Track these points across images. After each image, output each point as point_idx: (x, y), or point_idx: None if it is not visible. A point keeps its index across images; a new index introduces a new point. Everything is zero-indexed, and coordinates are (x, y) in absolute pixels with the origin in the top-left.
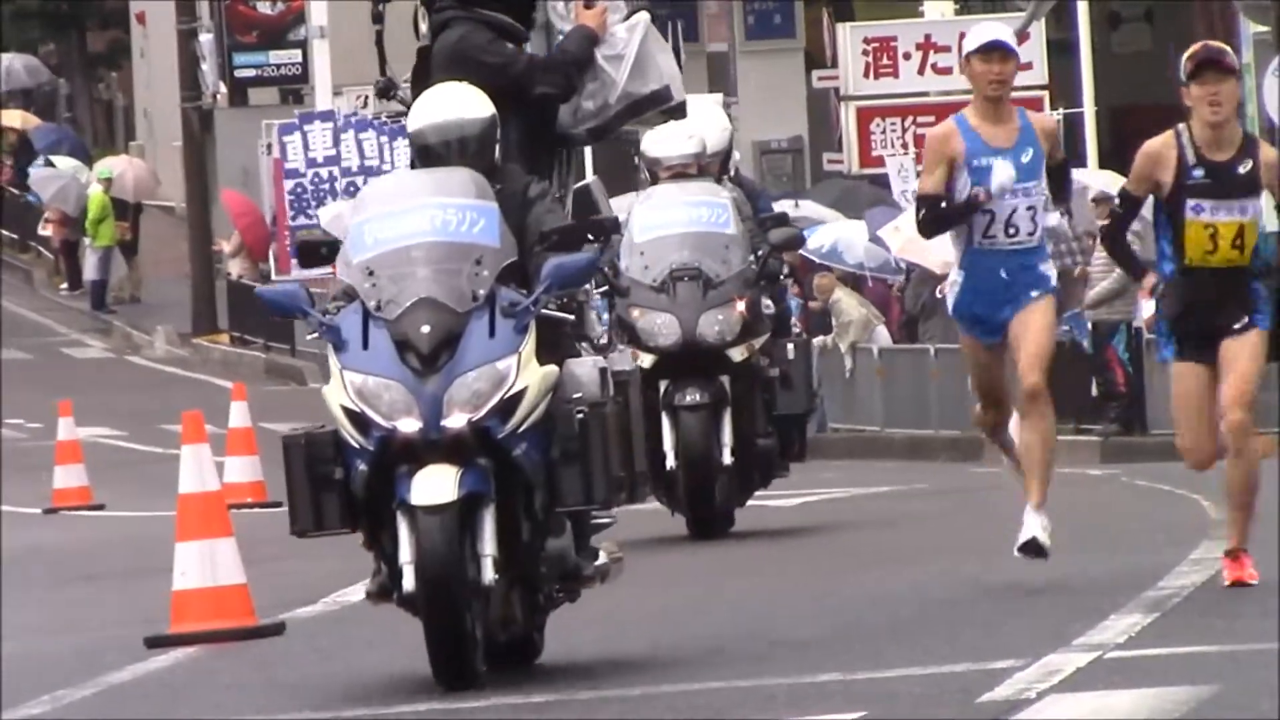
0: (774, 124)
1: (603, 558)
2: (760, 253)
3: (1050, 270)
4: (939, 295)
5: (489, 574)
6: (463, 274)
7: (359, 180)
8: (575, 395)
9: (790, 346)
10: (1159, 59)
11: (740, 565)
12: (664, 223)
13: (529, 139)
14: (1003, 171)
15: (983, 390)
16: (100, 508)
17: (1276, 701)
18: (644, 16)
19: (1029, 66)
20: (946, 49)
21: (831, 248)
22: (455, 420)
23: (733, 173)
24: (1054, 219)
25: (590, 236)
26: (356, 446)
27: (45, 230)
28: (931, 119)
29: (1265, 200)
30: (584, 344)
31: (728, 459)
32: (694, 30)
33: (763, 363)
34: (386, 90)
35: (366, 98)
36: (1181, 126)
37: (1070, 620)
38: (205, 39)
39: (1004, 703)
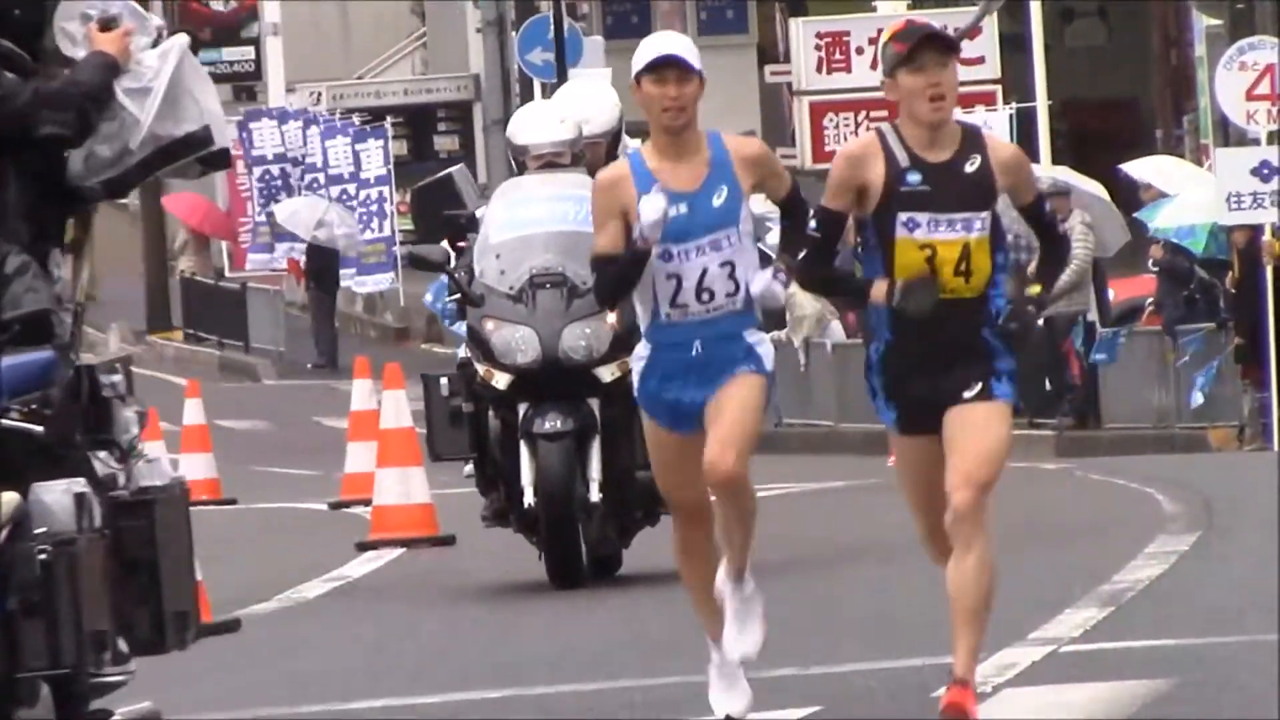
0: (727, 119)
1: None
2: None
3: (764, 346)
4: None
5: (595, 494)
6: None
7: (320, 176)
8: (40, 530)
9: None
10: (1112, 54)
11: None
12: (524, 221)
13: (35, 193)
14: (651, 206)
15: (673, 495)
16: None
17: (1242, 696)
18: (181, 40)
19: (980, 60)
20: None
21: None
22: None
23: (620, 158)
24: (765, 279)
25: None
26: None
27: None
28: (884, 114)
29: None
30: (104, 453)
31: (595, 495)
32: (647, 25)
33: None
34: None
35: (320, 94)
36: (887, 126)
37: (1026, 615)
38: None
39: None
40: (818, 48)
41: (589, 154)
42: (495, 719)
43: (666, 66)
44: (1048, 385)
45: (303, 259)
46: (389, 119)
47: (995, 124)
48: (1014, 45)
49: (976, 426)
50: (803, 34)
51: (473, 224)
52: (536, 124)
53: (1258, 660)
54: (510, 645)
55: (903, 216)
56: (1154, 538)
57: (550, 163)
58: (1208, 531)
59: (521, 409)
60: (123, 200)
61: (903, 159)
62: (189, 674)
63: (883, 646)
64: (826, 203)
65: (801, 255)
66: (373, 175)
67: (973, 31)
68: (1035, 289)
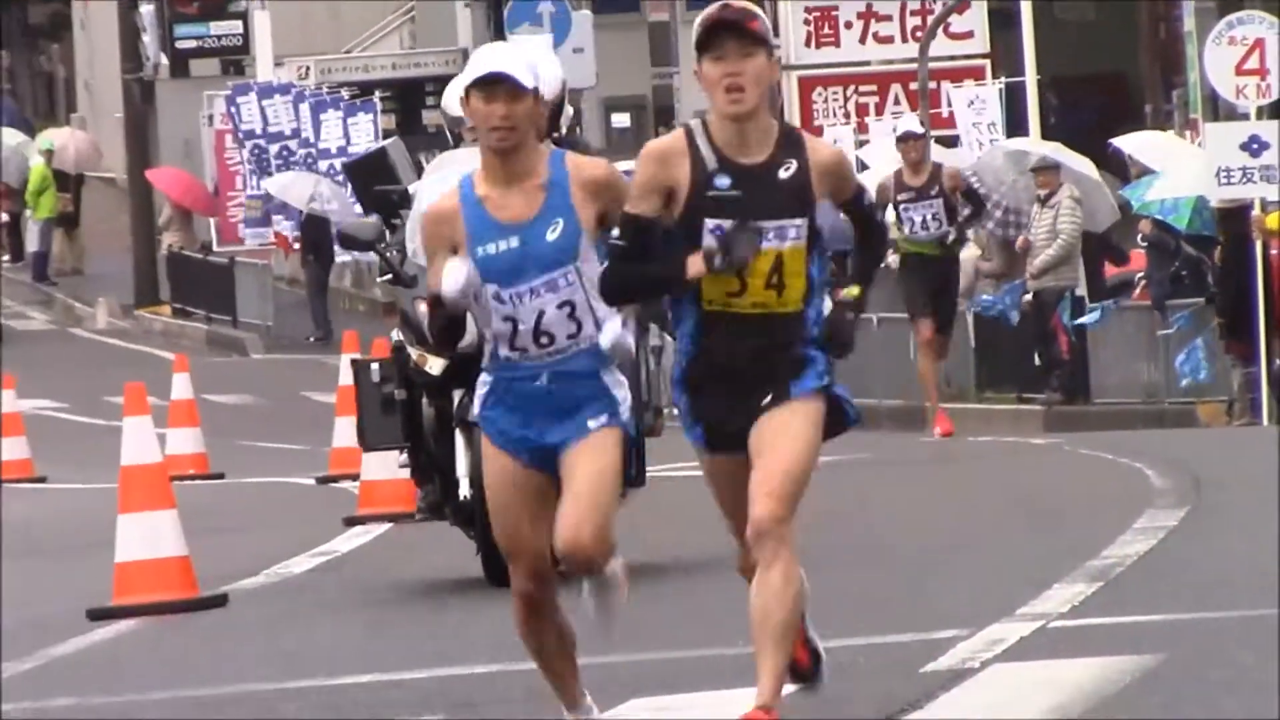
0: None
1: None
2: None
3: (622, 389)
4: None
5: None
6: None
7: (311, 151)
8: None
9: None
10: (1101, 28)
11: (681, 536)
12: None
13: None
14: (451, 279)
15: (508, 545)
16: (42, 480)
17: (1227, 671)
18: None
19: (969, 35)
20: (888, 18)
21: None
22: None
23: (563, 131)
24: (614, 331)
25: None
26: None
27: None
28: (873, 88)
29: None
30: None
31: None
32: (635, 0)
33: None
34: None
35: (308, 69)
36: (696, 123)
37: (1014, 590)
38: (146, 10)
39: (947, 673)
40: (806, 22)
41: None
42: (483, 694)
43: (495, 83)
44: (1037, 360)
45: (293, 233)
46: (377, 93)
47: (985, 99)
48: (1003, 20)
49: (777, 433)
50: (791, 9)
51: (406, 200)
52: None
53: (1247, 635)
54: (498, 621)
55: (710, 224)
56: (1143, 513)
57: None
58: (1197, 506)
59: (456, 396)
60: (110, 175)
61: (711, 161)
62: (176, 649)
63: (870, 621)
64: (630, 207)
65: (603, 267)
66: (363, 149)
67: (960, 6)
68: (853, 291)
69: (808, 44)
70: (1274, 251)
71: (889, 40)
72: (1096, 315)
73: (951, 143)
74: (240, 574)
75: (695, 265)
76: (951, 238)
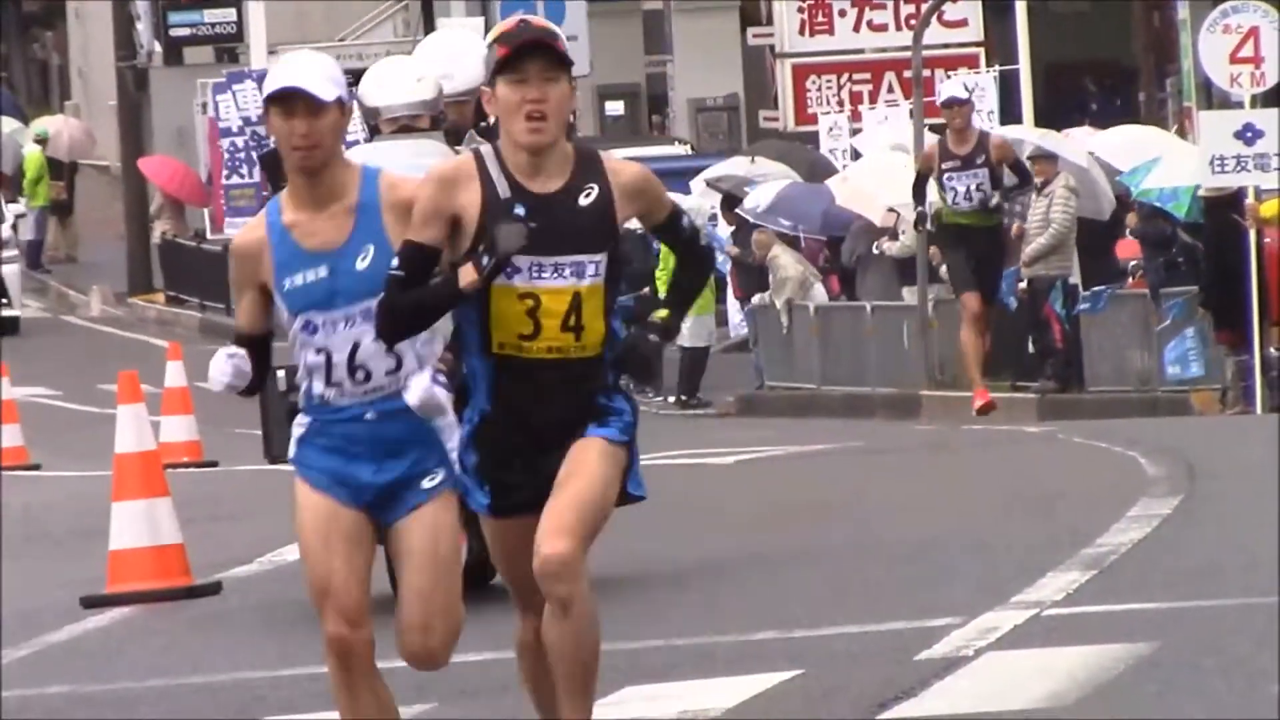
0: (709, 82)
1: None
2: None
3: (453, 430)
4: (876, 251)
5: None
6: None
7: None
8: None
9: None
10: (1095, 16)
11: (677, 524)
12: None
13: None
14: (217, 370)
15: (318, 580)
16: (36, 468)
17: (1220, 659)
18: None
19: (963, 23)
20: (882, 6)
21: (769, 206)
22: None
23: (491, 122)
24: (422, 386)
25: None
26: None
27: None
28: (867, 76)
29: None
30: None
31: None
32: None
33: None
34: None
35: None
36: (488, 147)
37: (1008, 578)
38: None
39: (942, 660)
40: (800, 10)
41: (453, 115)
42: (478, 682)
43: (292, 98)
44: (1030, 348)
45: None
46: None
47: (984, 87)
48: (997, 8)
49: (570, 471)
50: None
51: None
52: (390, 83)
53: (1240, 623)
54: (492, 608)
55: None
56: (1136, 501)
57: (406, 126)
58: (1190, 495)
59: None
60: (104, 162)
61: (503, 188)
62: (170, 637)
63: (864, 610)
64: (412, 234)
65: (379, 300)
66: (357, 137)
67: None
68: (662, 314)
69: (801, 32)
70: (1267, 240)
71: (883, 28)
72: (1087, 306)
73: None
74: (234, 562)
75: (466, 274)
76: (994, 201)
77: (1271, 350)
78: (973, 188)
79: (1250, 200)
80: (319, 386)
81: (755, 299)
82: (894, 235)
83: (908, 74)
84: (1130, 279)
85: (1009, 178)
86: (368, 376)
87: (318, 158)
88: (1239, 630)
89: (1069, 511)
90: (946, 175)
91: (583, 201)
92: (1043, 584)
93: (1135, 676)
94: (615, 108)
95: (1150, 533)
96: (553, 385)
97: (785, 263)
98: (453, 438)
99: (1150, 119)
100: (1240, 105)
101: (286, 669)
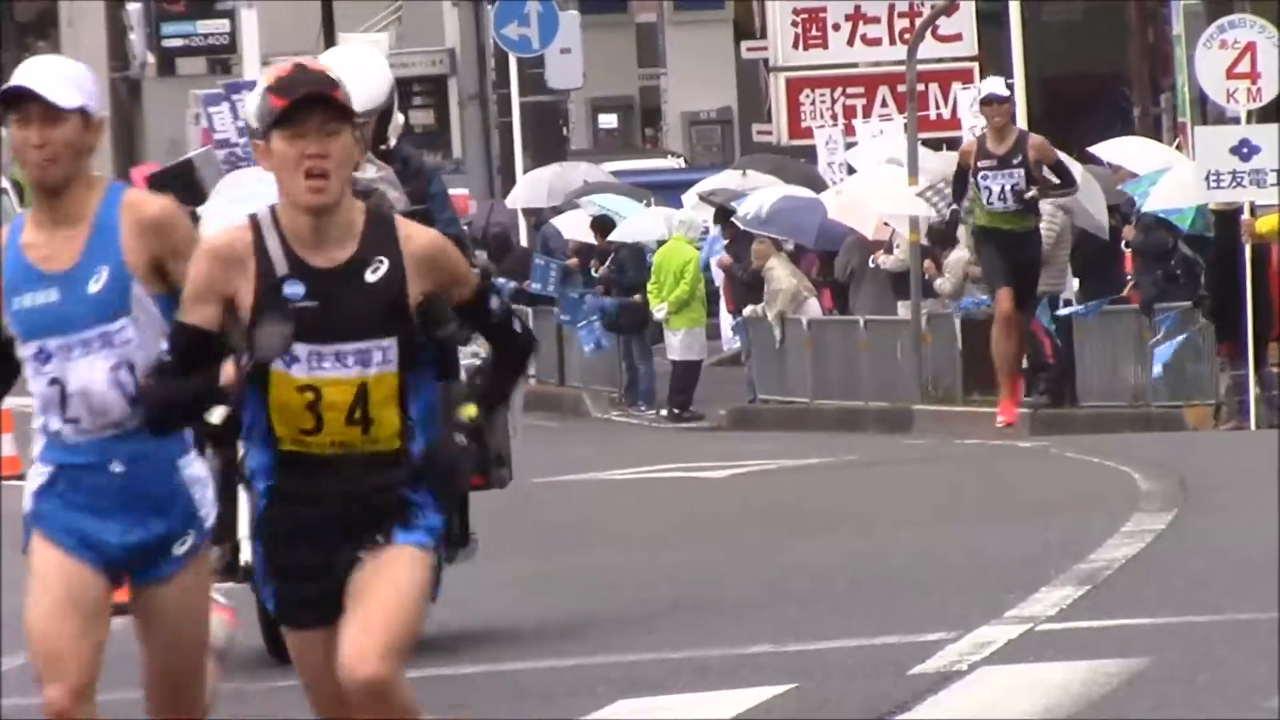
0: (703, 95)
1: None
2: None
3: (204, 488)
4: (871, 264)
5: None
6: None
7: None
8: None
9: None
10: (1089, 30)
11: (670, 537)
12: None
13: None
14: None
15: (45, 643)
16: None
17: (1214, 675)
18: None
19: (957, 37)
20: (876, 20)
21: (765, 219)
22: None
23: (392, 143)
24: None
25: None
26: None
27: None
28: (861, 90)
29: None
30: None
31: None
32: (623, 1)
33: None
34: None
35: None
36: (265, 211)
37: (1002, 592)
38: (133, 8)
39: (935, 674)
40: (794, 24)
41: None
42: (471, 695)
43: (26, 102)
44: (1024, 363)
45: None
46: None
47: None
48: (991, 21)
49: (375, 580)
50: (779, 10)
51: (197, 223)
52: None
53: (1234, 638)
54: (485, 620)
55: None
56: (1130, 516)
57: None
58: (1184, 510)
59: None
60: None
61: (280, 264)
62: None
63: (858, 624)
64: (184, 314)
65: (138, 386)
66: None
67: (949, 8)
68: (469, 411)
69: (795, 45)
70: (1276, 257)
71: (877, 42)
72: (1080, 310)
73: (938, 146)
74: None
75: (227, 370)
76: (1029, 194)
77: (1272, 369)
78: (1008, 188)
79: (1246, 216)
80: (55, 423)
81: (746, 310)
82: (888, 249)
83: (902, 88)
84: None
85: (1050, 179)
86: (105, 411)
87: (53, 172)
88: (1233, 645)
89: (1062, 526)
90: (982, 174)
91: (369, 278)
92: (1036, 599)
93: (1129, 691)
94: (608, 120)
95: (1144, 548)
96: (340, 483)
97: (780, 275)
98: (206, 495)
99: (1145, 134)
100: (1235, 120)
101: (280, 680)
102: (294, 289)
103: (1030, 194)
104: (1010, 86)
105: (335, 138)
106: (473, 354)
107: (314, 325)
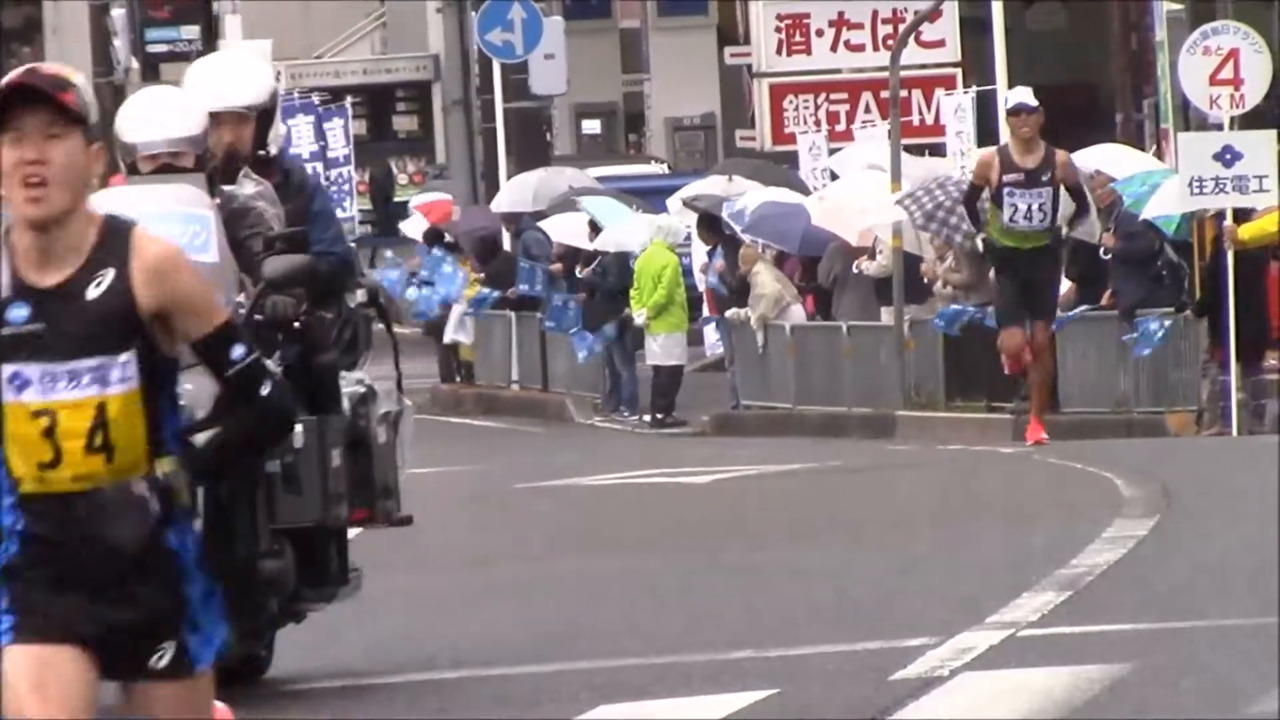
0: (686, 101)
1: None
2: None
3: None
4: (855, 270)
5: None
6: None
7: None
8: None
9: (298, 429)
10: (1072, 37)
11: (653, 542)
12: None
13: None
14: None
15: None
16: None
17: (1196, 680)
18: None
19: (940, 44)
20: (860, 26)
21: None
22: None
23: (272, 152)
24: None
25: None
26: None
27: None
28: (844, 96)
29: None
30: None
31: None
32: (606, 6)
33: None
34: None
35: (278, 73)
36: (2, 228)
37: (984, 598)
38: (117, 14)
39: (917, 680)
40: (778, 30)
41: (231, 134)
42: (451, 699)
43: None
44: (1006, 369)
45: None
46: (348, 99)
47: (965, 107)
48: (974, 28)
49: None
50: (763, 16)
51: None
52: (149, 116)
53: (1216, 644)
54: (468, 627)
55: (8, 370)
56: (1112, 522)
57: (167, 165)
58: (1166, 516)
59: None
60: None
61: (5, 286)
62: None
63: (840, 629)
64: None
65: None
66: (339, 155)
67: (932, 14)
68: (165, 465)
69: (779, 51)
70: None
71: (860, 48)
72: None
73: (920, 152)
74: None
75: None
76: (1065, 233)
77: (1269, 377)
78: (1034, 207)
79: (1228, 222)
80: None
81: (729, 313)
82: (872, 255)
83: (885, 94)
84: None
85: (1065, 202)
86: None
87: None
88: (1215, 650)
89: (1044, 532)
90: (1007, 190)
91: (92, 293)
92: (1018, 604)
93: (1111, 697)
94: (592, 126)
95: (1126, 554)
96: (88, 524)
97: (764, 280)
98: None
99: (1127, 140)
100: (1218, 127)
101: (261, 686)
102: (16, 313)
103: (1065, 232)
104: (1034, 99)
105: (57, 143)
106: (357, 381)
107: (42, 347)
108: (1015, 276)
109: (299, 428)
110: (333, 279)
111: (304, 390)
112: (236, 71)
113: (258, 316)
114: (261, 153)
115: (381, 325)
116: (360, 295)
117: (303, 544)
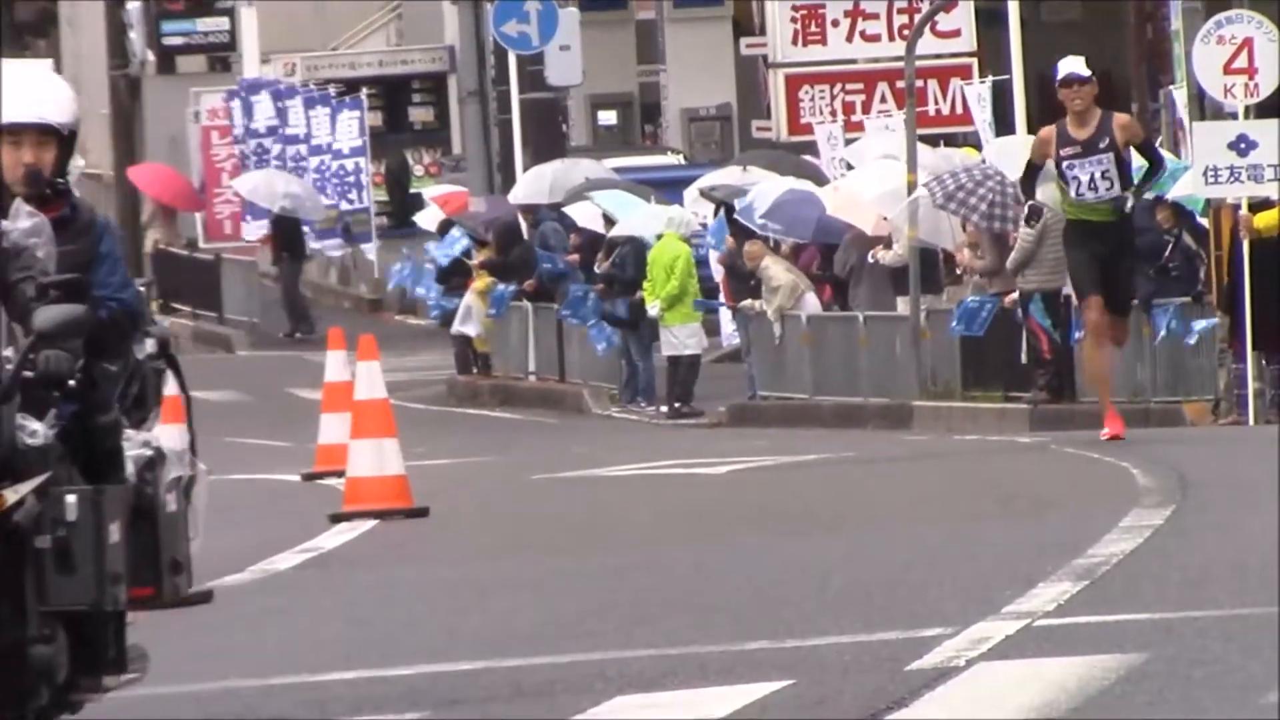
0: (702, 92)
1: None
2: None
3: None
4: (871, 260)
5: None
6: None
7: (302, 148)
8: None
9: (71, 500)
10: (1088, 27)
11: (669, 533)
12: None
13: None
14: None
15: None
16: None
17: (1211, 670)
18: None
19: (956, 34)
20: (875, 16)
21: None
22: None
23: (73, 178)
24: None
25: None
26: None
27: None
28: (860, 86)
29: None
30: None
31: None
32: None
33: (31, 520)
34: None
35: (294, 65)
36: None
37: (999, 588)
38: (133, 7)
39: (933, 670)
40: (793, 20)
41: (33, 154)
42: (468, 691)
43: None
44: (1023, 358)
45: (259, 233)
46: (364, 90)
47: (985, 97)
48: (990, 19)
49: None
50: (778, 6)
51: None
52: None
53: (1232, 634)
54: (483, 617)
55: None
56: (1128, 511)
57: None
58: (1182, 505)
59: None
60: (96, 171)
61: None
62: (161, 645)
63: (856, 619)
64: None
65: None
66: (348, 146)
67: (948, 4)
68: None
69: (794, 42)
70: None
71: (876, 38)
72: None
73: (935, 142)
74: (226, 570)
75: None
76: (1130, 205)
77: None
78: (1097, 175)
79: (1243, 212)
80: None
81: (744, 303)
82: (888, 244)
83: (900, 84)
84: None
85: (1137, 162)
86: None
87: None
88: (1230, 641)
89: (1060, 522)
90: (1066, 164)
91: None
92: (1034, 594)
93: (1126, 687)
94: (608, 117)
95: (1142, 543)
96: None
97: (775, 273)
98: None
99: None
100: (1234, 116)
101: (278, 678)
102: None
103: (1130, 205)
104: (1084, 73)
105: None
106: (144, 442)
107: None
108: (1089, 250)
109: (72, 499)
110: (115, 328)
111: (82, 455)
112: (47, 84)
113: (28, 373)
114: (60, 181)
115: (174, 378)
116: (150, 346)
117: (76, 627)
